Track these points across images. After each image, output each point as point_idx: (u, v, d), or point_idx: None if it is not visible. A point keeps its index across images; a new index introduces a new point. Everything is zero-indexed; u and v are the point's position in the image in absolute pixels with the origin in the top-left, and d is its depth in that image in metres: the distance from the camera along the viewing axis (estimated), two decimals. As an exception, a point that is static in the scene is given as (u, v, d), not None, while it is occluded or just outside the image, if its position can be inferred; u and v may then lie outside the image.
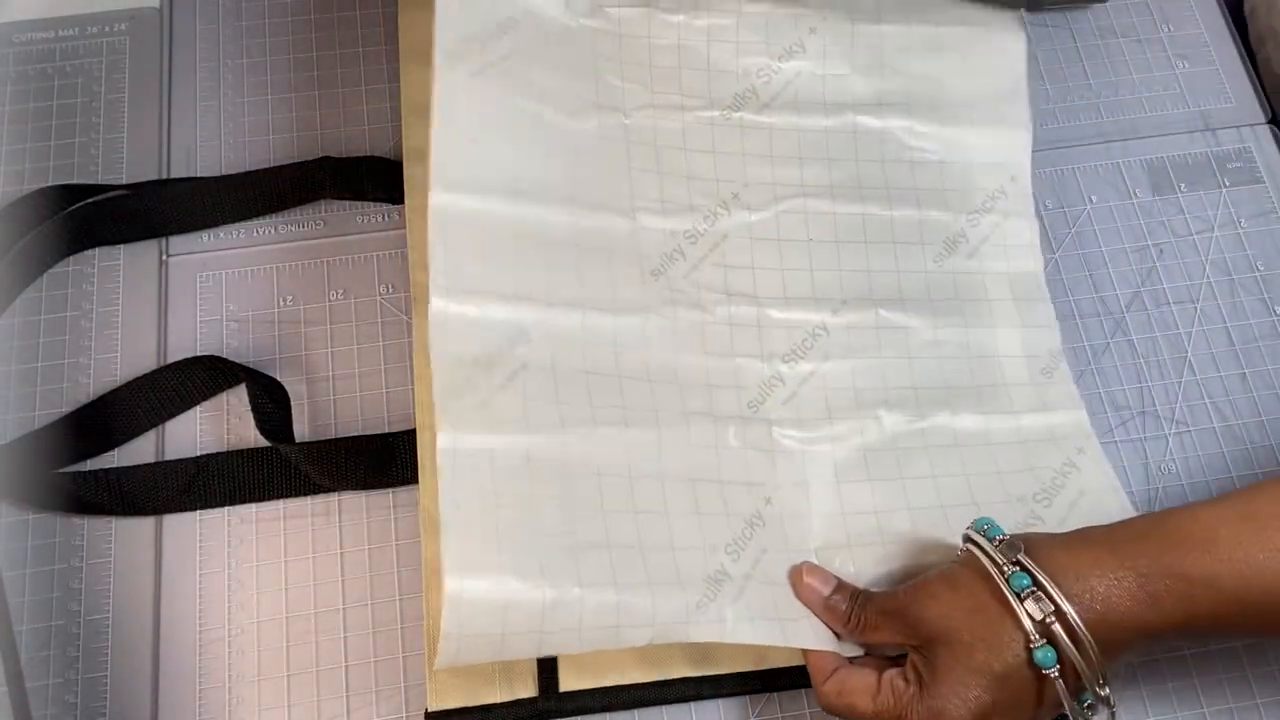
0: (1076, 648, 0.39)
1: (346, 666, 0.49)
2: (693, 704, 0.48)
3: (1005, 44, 0.58)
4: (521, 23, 0.51)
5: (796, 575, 0.46)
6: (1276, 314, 0.56)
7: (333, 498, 0.51)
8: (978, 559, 0.42)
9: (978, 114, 0.57)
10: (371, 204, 0.58)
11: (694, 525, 0.45)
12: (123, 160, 0.58)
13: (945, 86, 0.57)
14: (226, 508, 0.51)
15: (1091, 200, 0.59)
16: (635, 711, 0.48)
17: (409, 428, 0.52)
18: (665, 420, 0.47)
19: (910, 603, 0.42)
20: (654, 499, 0.45)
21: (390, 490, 0.51)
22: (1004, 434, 0.51)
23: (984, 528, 0.43)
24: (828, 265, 0.53)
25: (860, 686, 0.42)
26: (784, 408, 0.50)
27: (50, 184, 0.57)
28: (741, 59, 0.56)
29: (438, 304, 0.44)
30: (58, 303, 0.55)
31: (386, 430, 0.52)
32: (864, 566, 0.47)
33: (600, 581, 0.42)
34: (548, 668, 0.48)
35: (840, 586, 0.45)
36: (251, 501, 0.51)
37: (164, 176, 0.58)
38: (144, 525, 0.51)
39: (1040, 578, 0.39)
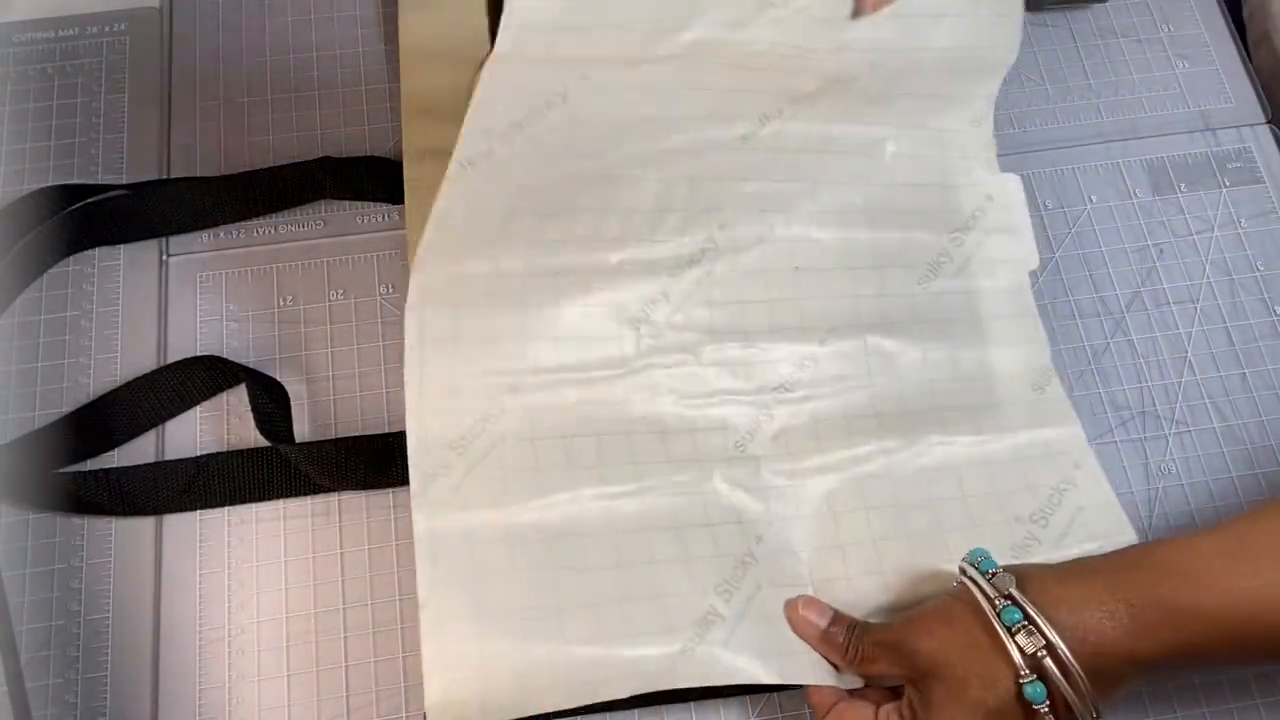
0: (1068, 681, 0.39)
1: (346, 666, 0.49)
2: (693, 704, 0.48)
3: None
4: (568, 90, 0.49)
5: (792, 609, 0.46)
6: (1276, 314, 0.56)
7: (333, 498, 0.51)
8: (971, 592, 0.42)
9: (958, 129, 0.56)
10: (371, 204, 0.58)
11: (682, 571, 0.46)
12: (123, 160, 0.58)
13: (932, 96, 0.55)
14: (226, 508, 0.51)
15: (1091, 200, 0.59)
16: (635, 711, 0.48)
17: (409, 428, 0.52)
18: (647, 472, 0.48)
19: (905, 636, 0.42)
20: (638, 551, 0.46)
21: (390, 490, 0.51)
22: (1000, 453, 0.51)
23: (978, 560, 0.43)
24: (813, 294, 0.53)
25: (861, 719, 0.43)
26: (773, 443, 0.50)
27: (50, 184, 0.57)
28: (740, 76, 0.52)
29: (412, 398, 0.47)
30: (58, 303, 0.55)
31: (386, 430, 0.52)
32: (863, 596, 0.47)
33: (581, 639, 0.43)
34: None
35: (837, 618, 0.46)
36: (251, 501, 0.51)
37: (164, 176, 0.58)
38: (144, 525, 0.51)
39: (1031, 611, 0.39)
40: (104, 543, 0.50)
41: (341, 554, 0.50)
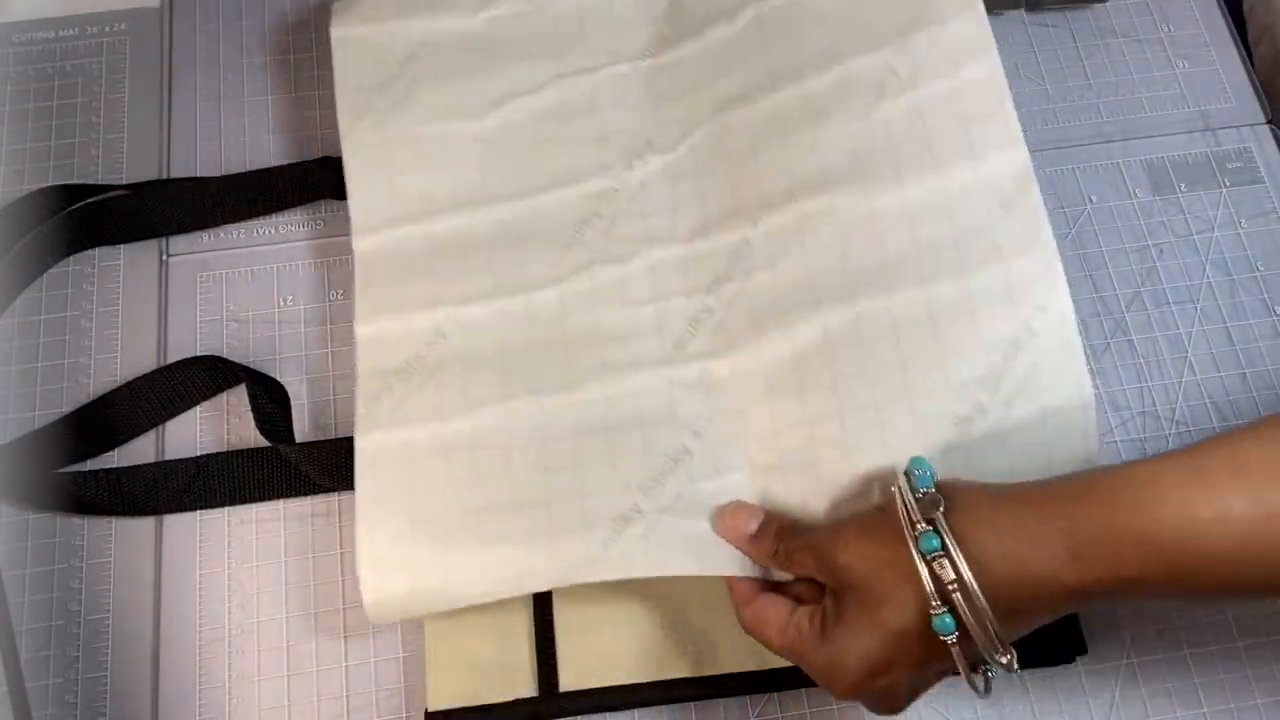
0: (975, 618, 0.37)
1: (346, 667, 0.49)
2: (693, 704, 0.48)
3: None
4: (419, 54, 0.54)
5: (720, 515, 0.46)
6: (1276, 314, 0.56)
7: (333, 498, 0.51)
8: (896, 511, 0.40)
9: None
10: (371, 204, 0.58)
11: (607, 471, 0.47)
12: (123, 160, 0.58)
13: None
14: (226, 508, 0.51)
15: (1091, 200, 0.59)
16: (635, 712, 0.48)
17: (409, 428, 0.52)
18: (578, 381, 0.48)
19: (827, 544, 0.42)
20: (567, 455, 0.47)
21: (390, 490, 0.51)
22: (947, 301, 0.46)
23: (914, 473, 0.41)
24: (744, 177, 0.51)
25: (773, 618, 0.43)
26: (714, 337, 0.49)
27: (50, 184, 0.57)
28: (643, 5, 0.56)
29: (360, 330, 0.50)
30: (58, 303, 0.55)
31: (386, 430, 0.52)
32: (795, 492, 0.46)
33: (500, 539, 0.45)
34: (547, 667, 0.48)
35: (767, 521, 0.45)
36: (251, 501, 0.51)
37: (164, 176, 0.58)
38: (144, 525, 0.51)
39: (949, 542, 0.38)
40: (104, 543, 0.50)
41: (341, 554, 0.50)
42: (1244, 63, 0.62)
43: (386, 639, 0.49)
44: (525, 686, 0.47)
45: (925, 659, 0.40)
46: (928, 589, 0.38)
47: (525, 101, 0.54)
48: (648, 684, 0.48)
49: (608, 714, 0.48)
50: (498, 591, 0.45)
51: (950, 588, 0.38)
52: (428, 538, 0.46)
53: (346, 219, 0.57)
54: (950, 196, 0.47)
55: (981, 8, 0.50)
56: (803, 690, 0.48)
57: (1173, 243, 0.58)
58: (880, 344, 0.46)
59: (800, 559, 0.43)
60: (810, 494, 0.46)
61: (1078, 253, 0.57)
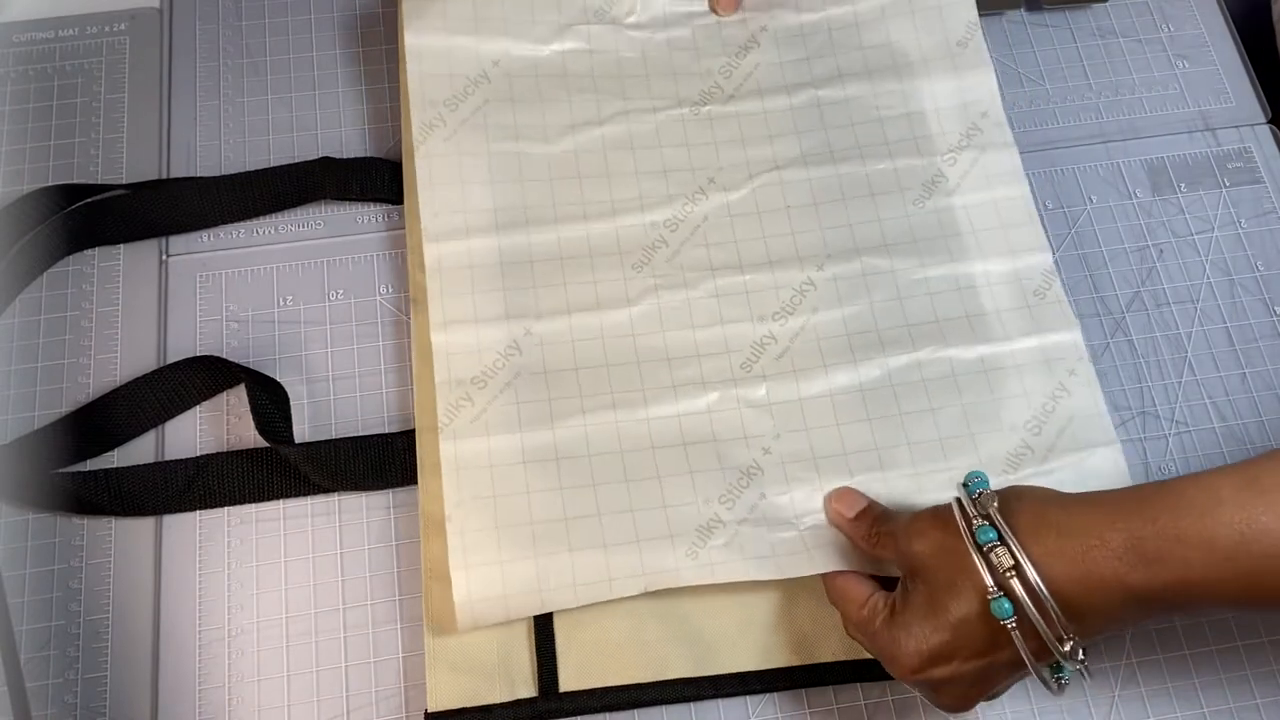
0: (1033, 602, 0.39)
1: (346, 666, 0.49)
2: (693, 704, 0.48)
3: None
4: (491, 74, 0.57)
5: (828, 498, 0.49)
6: (1276, 314, 0.56)
7: (333, 498, 0.51)
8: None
9: (936, 65, 0.59)
10: (371, 204, 0.58)
11: (686, 484, 0.50)
12: (123, 160, 0.58)
13: (899, 48, 0.59)
14: (226, 508, 0.51)
15: (1091, 200, 0.59)
16: (635, 712, 0.48)
17: (408, 428, 0.52)
18: (653, 396, 0.51)
19: (902, 530, 0.44)
20: (645, 467, 0.50)
21: (390, 490, 0.51)
22: (998, 360, 0.53)
23: (972, 479, 0.43)
24: (808, 226, 0.56)
25: (855, 594, 0.45)
26: (778, 363, 0.53)
27: (50, 184, 0.57)
28: (703, 61, 0.60)
29: (438, 338, 0.51)
30: (58, 303, 0.55)
31: (386, 431, 0.52)
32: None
33: (589, 544, 0.48)
34: (547, 668, 0.48)
35: (869, 505, 0.48)
36: (251, 501, 0.51)
37: (164, 176, 0.58)
38: (144, 525, 0.51)
39: (1005, 533, 0.40)
40: (104, 543, 0.50)
41: (341, 554, 0.50)
42: (1244, 63, 0.62)
43: (386, 639, 0.49)
44: (525, 686, 0.47)
45: (986, 649, 0.41)
46: (984, 576, 0.40)
47: (594, 131, 0.57)
48: (647, 684, 0.48)
49: (607, 714, 0.48)
50: (587, 597, 0.47)
51: (1008, 575, 0.39)
52: (516, 543, 0.48)
53: (346, 219, 0.58)
54: (992, 279, 0.55)
55: (1015, 150, 0.57)
56: (802, 690, 0.48)
57: (1173, 243, 0.58)
58: (941, 388, 0.52)
59: (885, 543, 0.46)
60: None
61: (1077, 253, 0.57)
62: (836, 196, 0.56)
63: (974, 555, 0.40)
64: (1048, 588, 0.39)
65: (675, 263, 0.54)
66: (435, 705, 0.47)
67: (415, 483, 0.51)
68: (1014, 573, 0.39)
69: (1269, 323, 0.56)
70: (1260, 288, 0.57)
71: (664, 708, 0.48)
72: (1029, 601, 0.39)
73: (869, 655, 0.45)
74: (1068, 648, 0.39)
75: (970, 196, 0.56)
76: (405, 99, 0.57)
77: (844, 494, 0.49)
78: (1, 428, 0.52)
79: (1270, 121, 0.61)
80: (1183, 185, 0.59)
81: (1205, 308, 0.56)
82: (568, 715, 0.47)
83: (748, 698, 0.48)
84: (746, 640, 0.48)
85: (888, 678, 0.47)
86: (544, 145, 0.56)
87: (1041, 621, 0.39)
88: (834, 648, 0.48)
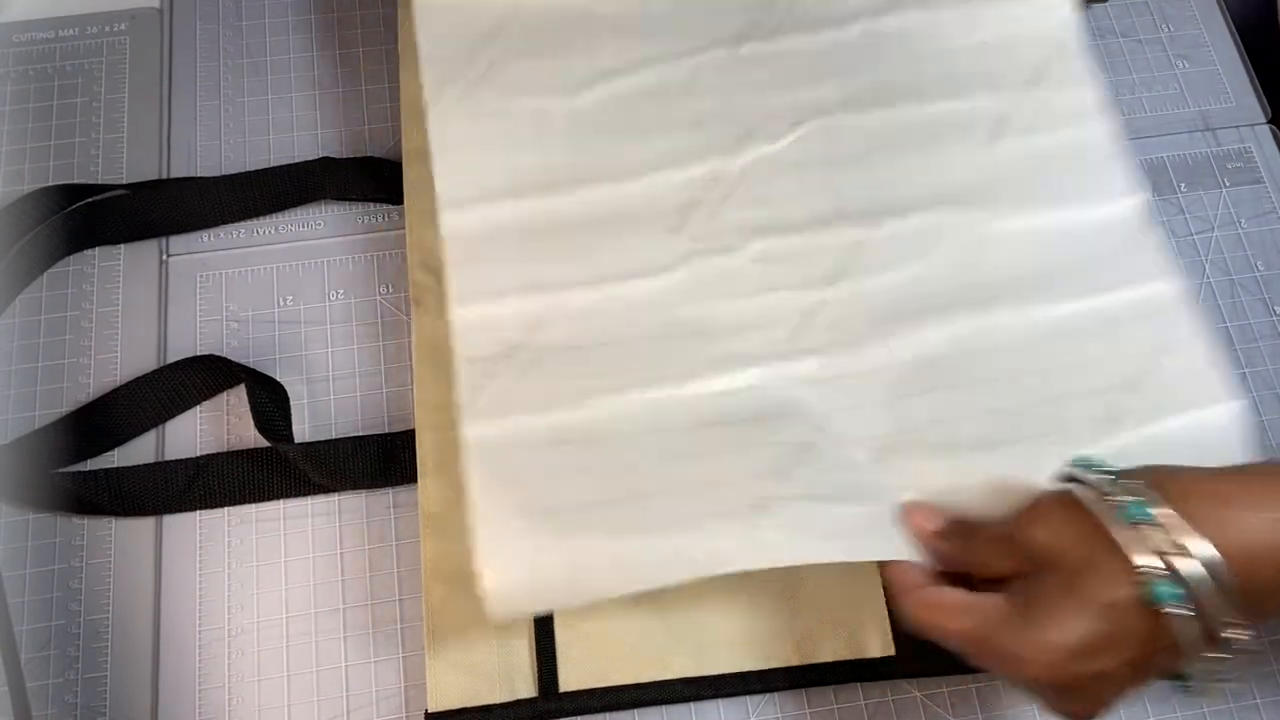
0: (1199, 583, 0.35)
1: (346, 666, 0.49)
2: (693, 704, 0.48)
3: None
4: (507, 24, 0.53)
5: (903, 511, 0.44)
6: (1276, 314, 0.56)
7: (333, 498, 0.51)
8: (1086, 488, 0.39)
9: None
10: (371, 204, 0.58)
11: (731, 462, 0.45)
12: (123, 160, 0.58)
13: None
14: (226, 508, 0.51)
15: (1091, 200, 0.59)
16: (635, 712, 0.48)
17: (409, 428, 0.52)
18: (692, 372, 0.47)
19: (1020, 526, 0.39)
20: (686, 445, 0.45)
21: (390, 490, 0.51)
22: (1086, 317, 0.48)
23: (1089, 463, 0.40)
24: (858, 181, 0.51)
25: (952, 602, 0.39)
26: (829, 333, 0.48)
27: (50, 184, 0.57)
28: None
29: (458, 311, 0.47)
30: (58, 303, 0.55)
31: (386, 430, 0.52)
32: (932, 482, 0.45)
33: (631, 530, 0.43)
34: (548, 668, 0.48)
35: (950, 521, 0.43)
36: (251, 501, 0.51)
37: (164, 176, 0.58)
38: (144, 525, 0.51)
39: (1158, 509, 0.36)
40: (104, 543, 0.50)
41: (341, 554, 0.50)
42: (1244, 62, 0.62)
43: (386, 639, 0.49)
44: (525, 687, 0.47)
45: (1138, 638, 0.36)
46: (1137, 557, 0.35)
47: (620, 81, 0.52)
48: (647, 684, 0.47)
49: (607, 714, 0.48)
50: (629, 585, 0.42)
51: (1171, 554, 0.35)
52: (547, 530, 0.43)
53: (346, 219, 0.57)
54: (1078, 227, 0.49)
55: (1098, 83, 0.52)
56: (802, 690, 0.48)
57: (1173, 243, 0.58)
58: (1017, 352, 0.47)
59: (982, 550, 0.41)
60: (944, 488, 0.45)
61: (1078, 253, 0.57)
62: (893, 142, 0.51)
63: (1117, 533, 0.36)
64: (1223, 566, 0.35)
65: (715, 224, 0.50)
66: (435, 705, 0.47)
67: (415, 482, 0.51)
68: (1176, 550, 0.35)
69: (1269, 323, 0.56)
70: (1260, 288, 0.57)
71: (664, 708, 0.48)
72: (1199, 582, 0.35)
73: (869, 655, 0.45)
74: (1244, 635, 0.35)
75: (1047, 137, 0.51)
76: (405, 99, 0.57)
77: (914, 508, 0.44)
78: (1, 428, 0.52)
79: (1270, 121, 0.61)
80: (1182, 185, 0.59)
81: (1205, 308, 0.56)
82: (568, 715, 0.47)
83: (748, 698, 0.48)
84: (746, 640, 0.48)
85: (888, 678, 0.47)
86: (565, 99, 0.52)
87: (1214, 598, 0.35)
88: (834, 648, 0.48)
